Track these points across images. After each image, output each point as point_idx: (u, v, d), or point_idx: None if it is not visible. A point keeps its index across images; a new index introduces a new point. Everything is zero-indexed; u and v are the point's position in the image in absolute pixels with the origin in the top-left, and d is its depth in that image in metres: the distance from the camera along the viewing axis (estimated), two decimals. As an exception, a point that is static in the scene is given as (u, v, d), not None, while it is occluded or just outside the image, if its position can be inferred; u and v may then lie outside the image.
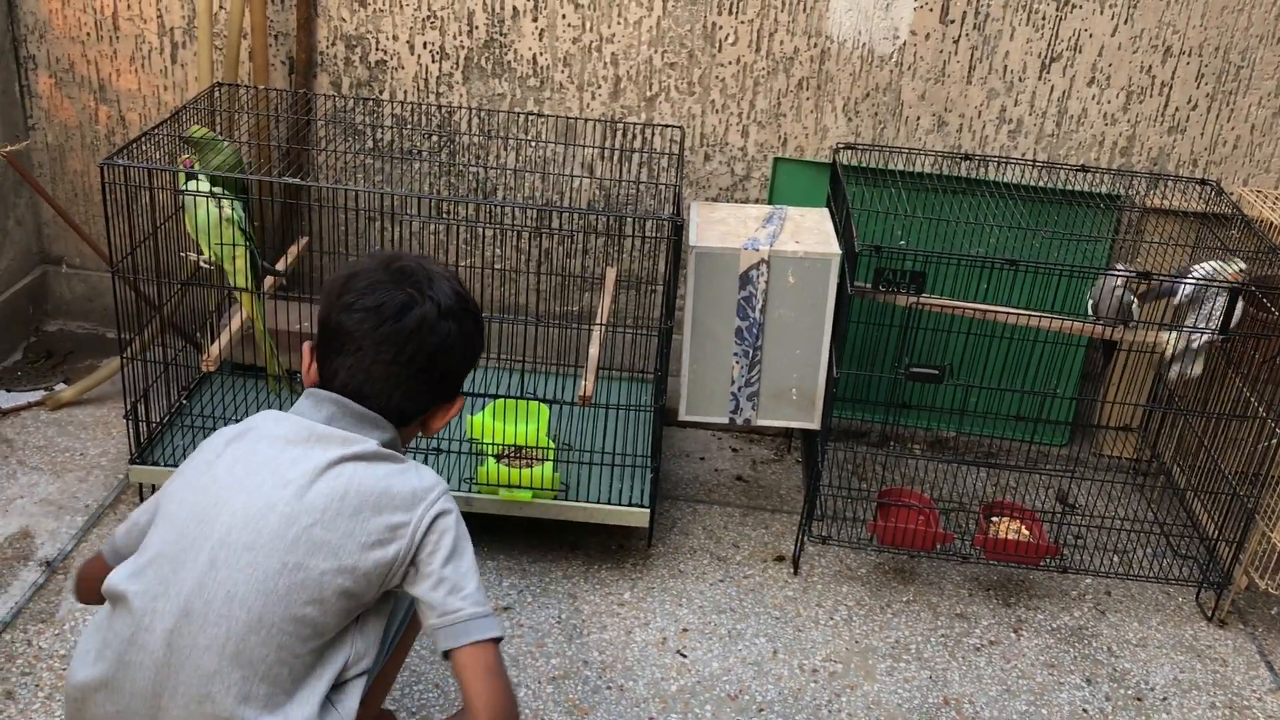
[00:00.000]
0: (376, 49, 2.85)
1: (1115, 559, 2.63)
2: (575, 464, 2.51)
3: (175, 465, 2.40)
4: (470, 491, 2.42)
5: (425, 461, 2.46)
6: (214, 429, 2.42)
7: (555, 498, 2.43)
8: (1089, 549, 2.64)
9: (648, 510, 2.44)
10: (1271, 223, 2.55)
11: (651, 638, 2.32)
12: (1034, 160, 2.83)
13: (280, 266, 2.62)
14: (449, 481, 2.42)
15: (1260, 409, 2.43)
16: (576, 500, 2.44)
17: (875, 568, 2.60)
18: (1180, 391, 2.77)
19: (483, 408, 2.54)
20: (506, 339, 2.91)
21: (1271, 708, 2.32)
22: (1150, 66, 2.77)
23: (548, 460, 2.45)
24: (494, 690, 1.48)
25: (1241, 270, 2.35)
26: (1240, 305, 2.34)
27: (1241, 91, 2.79)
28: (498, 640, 1.51)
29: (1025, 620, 2.49)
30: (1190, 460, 2.77)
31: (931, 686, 2.28)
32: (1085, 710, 2.26)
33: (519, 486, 2.39)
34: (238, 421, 1.58)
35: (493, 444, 2.45)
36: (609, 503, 2.44)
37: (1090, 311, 2.47)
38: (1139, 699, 2.30)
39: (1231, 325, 2.35)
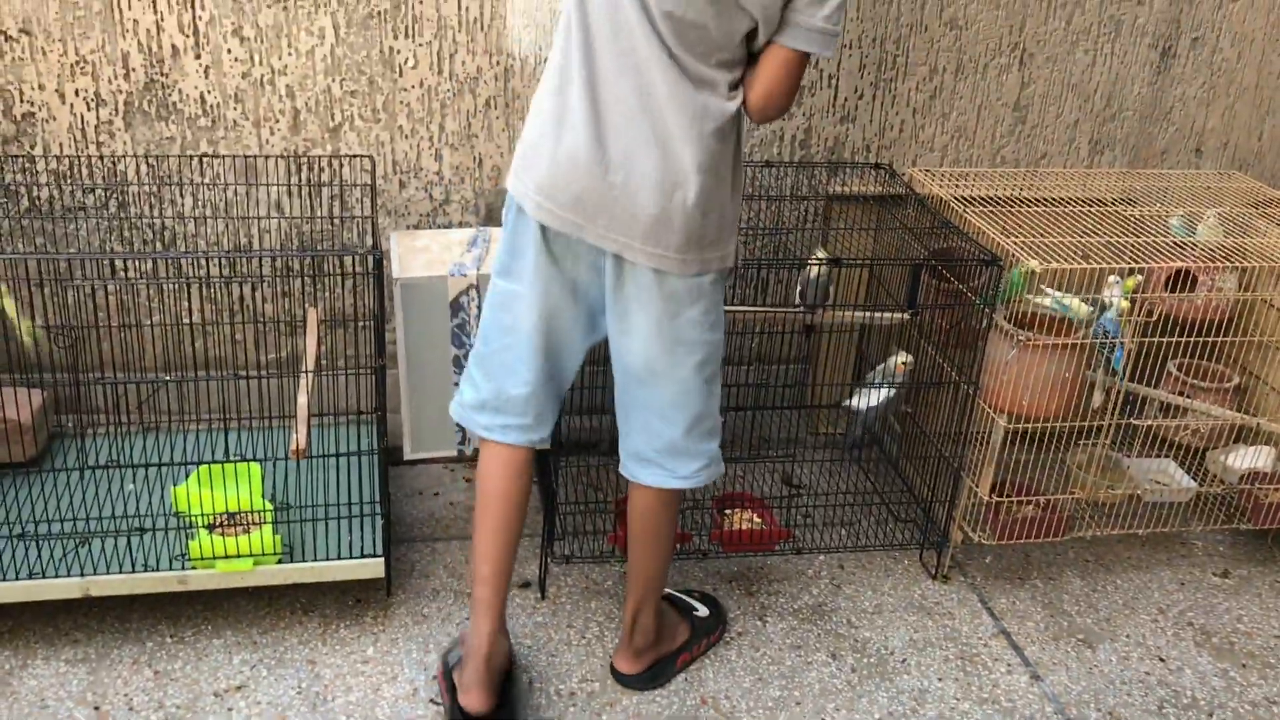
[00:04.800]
0: (21, 101, 2.60)
1: (844, 533, 2.75)
2: (299, 522, 2.37)
3: None
4: (184, 569, 2.24)
5: (128, 543, 2.27)
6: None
7: (279, 561, 2.28)
8: (818, 527, 2.74)
9: (381, 559, 2.33)
10: (941, 198, 2.72)
11: (401, 691, 2.22)
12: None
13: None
14: (155, 564, 2.25)
15: (953, 373, 2.59)
16: (304, 561, 2.31)
17: (621, 578, 2.60)
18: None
19: (187, 477, 2.36)
20: (207, 398, 2.73)
21: (996, 650, 2.48)
22: (817, 60, 2.91)
23: (266, 523, 2.30)
24: (780, 86, 1.88)
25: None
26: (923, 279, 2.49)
27: (900, 79, 2.97)
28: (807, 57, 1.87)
29: (769, 606, 2.56)
30: (899, 428, 2.93)
31: (688, 688, 2.30)
32: (834, 685, 2.34)
33: (237, 556, 2.24)
34: None
35: (202, 514, 2.28)
36: (339, 558, 2.32)
37: (799, 299, 2.57)
38: (881, 665, 2.40)
39: (917, 300, 2.49)
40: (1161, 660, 2.48)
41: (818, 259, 2.50)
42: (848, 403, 2.73)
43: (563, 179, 1.88)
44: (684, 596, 2.49)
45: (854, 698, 2.31)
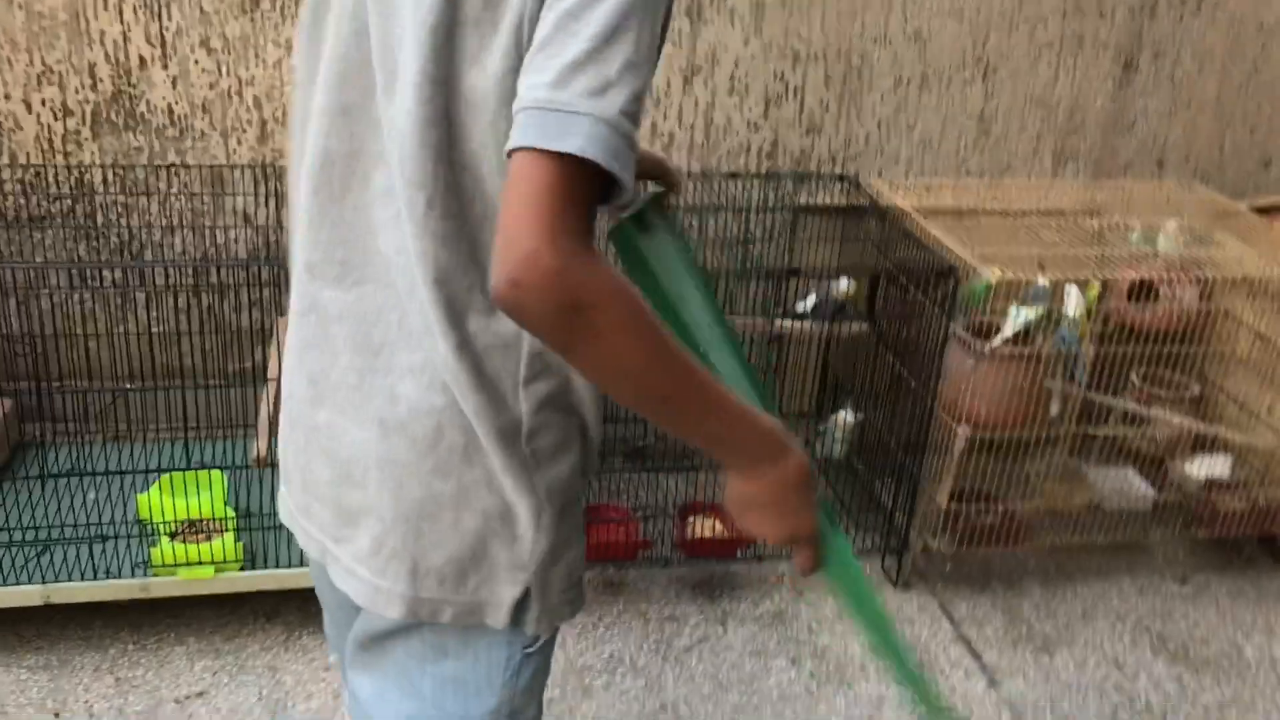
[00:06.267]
0: (-12, 110, 2.62)
1: (807, 541, 2.76)
2: (261, 530, 2.38)
3: None
4: (146, 576, 2.25)
5: (89, 551, 2.28)
6: None
7: (241, 569, 2.29)
8: (782, 535, 2.76)
9: (344, 566, 2.34)
10: (903, 210, 2.75)
11: (362, 697, 2.24)
12: (689, 172, 2.94)
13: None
14: (117, 571, 2.26)
15: (912, 381, 2.62)
16: (266, 568, 2.32)
17: (586, 585, 2.62)
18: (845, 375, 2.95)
19: (149, 485, 2.38)
20: (172, 408, 2.74)
21: (954, 656, 2.50)
22: (783, 73, 2.94)
23: (229, 531, 2.31)
24: (507, 213, 0.90)
25: None
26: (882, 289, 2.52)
27: (865, 90, 3.00)
28: (581, 163, 0.89)
29: (730, 612, 2.58)
30: (860, 437, 2.95)
31: (648, 694, 2.32)
32: (793, 691, 2.36)
33: (199, 563, 2.25)
34: None
35: (165, 522, 2.30)
36: (302, 565, 2.34)
37: (806, 310, 2.68)
38: (840, 671, 2.43)
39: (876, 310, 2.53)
40: (1118, 666, 2.50)
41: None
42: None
43: (283, 437, 1.23)
44: None
45: (812, 704, 2.33)
